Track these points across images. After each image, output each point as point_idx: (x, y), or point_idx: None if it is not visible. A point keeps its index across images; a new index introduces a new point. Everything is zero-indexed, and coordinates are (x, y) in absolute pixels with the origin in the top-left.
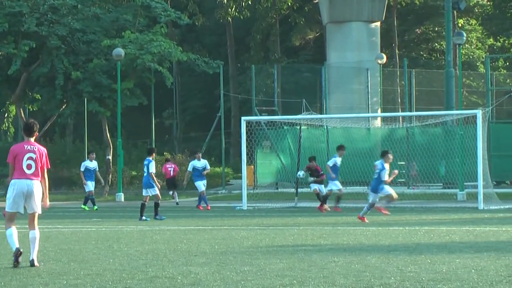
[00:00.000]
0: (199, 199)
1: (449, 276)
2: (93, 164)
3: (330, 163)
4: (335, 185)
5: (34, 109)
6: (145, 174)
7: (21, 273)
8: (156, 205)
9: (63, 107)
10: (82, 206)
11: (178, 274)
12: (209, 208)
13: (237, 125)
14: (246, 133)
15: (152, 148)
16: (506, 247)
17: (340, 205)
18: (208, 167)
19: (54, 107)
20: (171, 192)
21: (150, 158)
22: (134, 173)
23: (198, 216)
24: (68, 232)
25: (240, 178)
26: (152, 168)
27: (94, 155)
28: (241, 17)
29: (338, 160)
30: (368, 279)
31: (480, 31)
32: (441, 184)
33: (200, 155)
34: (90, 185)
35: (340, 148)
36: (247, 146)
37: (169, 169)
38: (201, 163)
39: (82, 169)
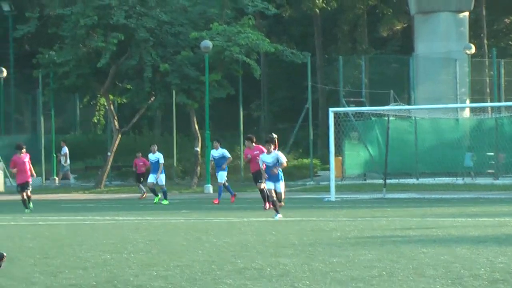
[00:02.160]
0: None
1: None
2: (154, 157)
3: None
4: None
5: (123, 101)
6: None
7: (111, 264)
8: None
9: (151, 99)
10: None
11: (267, 265)
12: (217, 202)
13: (324, 116)
14: (334, 124)
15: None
16: None
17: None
18: (227, 155)
19: (143, 99)
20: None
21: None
22: None
23: (286, 207)
24: (157, 223)
25: (328, 169)
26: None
27: (156, 147)
28: (329, 8)
29: None
30: (458, 270)
31: None
32: None
33: (218, 144)
34: (151, 177)
35: None
36: (334, 138)
37: (140, 163)
38: (218, 152)
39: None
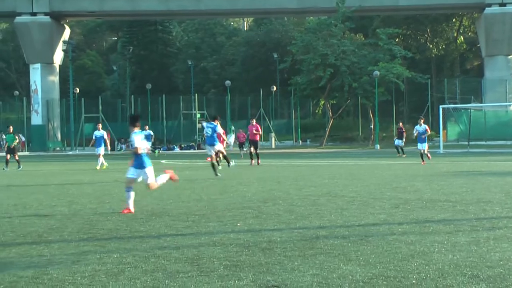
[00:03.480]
0: None
1: None
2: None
3: None
4: None
5: (334, 102)
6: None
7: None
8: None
9: (348, 101)
10: None
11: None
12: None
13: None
14: (442, 114)
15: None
16: None
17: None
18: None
19: (343, 101)
20: None
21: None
22: None
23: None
24: None
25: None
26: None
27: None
28: (439, 54)
29: None
30: None
31: None
32: None
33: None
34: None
35: None
36: (442, 121)
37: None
38: (422, 127)
39: None
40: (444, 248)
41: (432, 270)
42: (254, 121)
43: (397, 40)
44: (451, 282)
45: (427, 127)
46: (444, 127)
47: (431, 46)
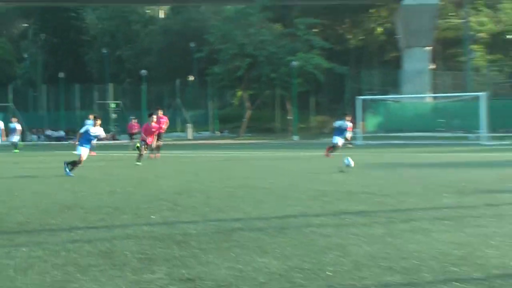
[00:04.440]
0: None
1: None
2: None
3: None
4: None
5: (251, 93)
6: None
7: None
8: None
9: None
10: None
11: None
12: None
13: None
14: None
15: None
16: None
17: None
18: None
19: (260, 92)
20: None
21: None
22: None
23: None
24: None
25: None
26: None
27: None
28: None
29: None
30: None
31: (483, 51)
32: None
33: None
34: None
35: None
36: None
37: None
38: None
39: None
40: (360, 240)
41: (348, 262)
42: (161, 113)
43: (316, 30)
44: (366, 274)
45: (350, 125)
46: (363, 119)
47: (349, 37)
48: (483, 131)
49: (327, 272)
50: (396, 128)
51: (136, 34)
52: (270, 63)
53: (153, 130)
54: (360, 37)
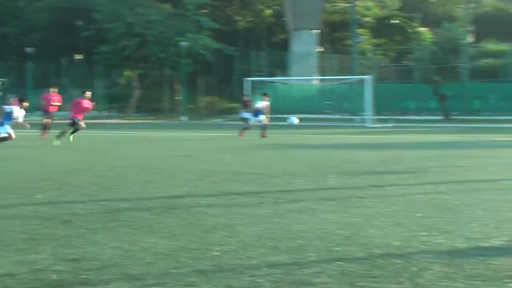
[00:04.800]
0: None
1: None
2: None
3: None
4: None
5: (140, 72)
6: None
7: None
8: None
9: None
10: None
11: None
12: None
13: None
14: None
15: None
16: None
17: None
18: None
19: (150, 71)
20: None
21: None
22: None
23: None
24: None
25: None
26: None
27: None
28: (245, 26)
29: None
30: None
31: (369, 35)
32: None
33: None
34: None
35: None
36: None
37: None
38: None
39: None
40: (247, 220)
41: (234, 242)
42: (53, 90)
43: (205, 11)
44: (252, 254)
45: (267, 104)
46: (251, 100)
47: (238, 18)
48: (368, 114)
49: (213, 252)
50: (283, 110)
51: (21, 10)
52: (159, 43)
53: (85, 107)
54: (249, 19)
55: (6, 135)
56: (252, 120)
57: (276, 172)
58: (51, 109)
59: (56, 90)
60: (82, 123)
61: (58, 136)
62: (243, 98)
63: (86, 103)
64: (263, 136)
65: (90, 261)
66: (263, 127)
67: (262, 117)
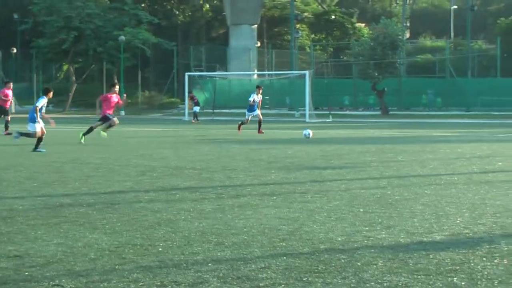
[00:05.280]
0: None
1: None
2: None
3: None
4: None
5: (77, 66)
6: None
7: None
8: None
9: (92, 66)
10: None
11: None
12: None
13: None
14: (188, 81)
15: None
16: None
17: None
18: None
19: (87, 66)
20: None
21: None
22: None
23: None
24: None
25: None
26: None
27: None
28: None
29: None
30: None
31: (307, 30)
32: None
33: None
34: None
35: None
36: (188, 87)
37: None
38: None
39: None
40: (191, 216)
41: (178, 238)
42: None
43: (143, 5)
44: (197, 249)
45: (261, 99)
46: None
47: (177, 12)
48: (308, 109)
49: (158, 248)
50: (222, 104)
51: None
52: (97, 37)
53: (115, 102)
54: (188, 13)
55: (33, 131)
56: (248, 115)
57: (216, 167)
58: (7, 104)
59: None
60: (116, 119)
61: (87, 133)
62: (190, 94)
63: (115, 98)
64: (260, 132)
65: (33, 258)
66: (259, 123)
67: (257, 112)
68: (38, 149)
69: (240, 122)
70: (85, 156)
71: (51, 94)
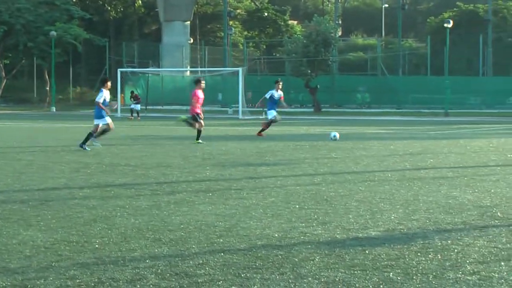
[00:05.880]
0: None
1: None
2: None
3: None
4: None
5: (7, 62)
6: None
7: None
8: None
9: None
10: None
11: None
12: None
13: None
14: (121, 77)
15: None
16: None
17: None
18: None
19: (17, 61)
20: None
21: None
22: None
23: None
24: None
25: (112, 100)
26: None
27: None
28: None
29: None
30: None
31: (240, 27)
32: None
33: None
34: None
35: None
36: (120, 84)
37: None
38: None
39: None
40: (126, 212)
41: (115, 234)
42: None
43: (74, 0)
44: (134, 246)
45: (282, 95)
46: (122, 91)
47: (109, 8)
48: (241, 106)
49: (94, 245)
50: (155, 101)
51: None
52: (28, 31)
53: (200, 98)
54: (120, 9)
55: (105, 126)
56: (270, 116)
57: (151, 164)
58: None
59: None
60: (202, 121)
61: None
62: (133, 93)
63: (201, 94)
64: (260, 135)
65: None
66: (268, 123)
67: (275, 113)
68: (93, 143)
69: (263, 124)
70: (16, 153)
71: (109, 84)
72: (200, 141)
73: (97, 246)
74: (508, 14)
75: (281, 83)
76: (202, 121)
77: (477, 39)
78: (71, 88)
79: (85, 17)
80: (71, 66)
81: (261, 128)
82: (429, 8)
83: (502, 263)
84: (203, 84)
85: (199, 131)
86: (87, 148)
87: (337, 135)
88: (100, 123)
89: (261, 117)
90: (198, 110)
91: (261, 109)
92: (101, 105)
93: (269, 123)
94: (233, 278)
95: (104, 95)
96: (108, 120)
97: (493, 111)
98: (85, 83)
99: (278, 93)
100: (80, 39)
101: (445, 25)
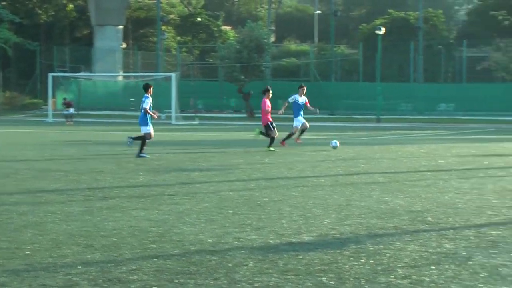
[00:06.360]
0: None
1: None
2: None
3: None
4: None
5: None
6: None
7: None
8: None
9: None
10: None
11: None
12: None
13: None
14: (53, 82)
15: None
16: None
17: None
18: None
19: None
20: None
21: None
22: None
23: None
24: None
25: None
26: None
27: None
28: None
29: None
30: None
31: (173, 32)
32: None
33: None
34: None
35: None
36: (52, 89)
37: None
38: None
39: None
40: (58, 218)
41: (46, 241)
42: None
43: (4, 3)
44: (66, 252)
45: (306, 100)
46: (54, 96)
47: (40, 11)
48: (174, 111)
49: (25, 251)
50: (87, 105)
51: None
52: None
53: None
54: (51, 13)
55: (146, 133)
56: (298, 123)
57: (83, 170)
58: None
59: None
60: (275, 130)
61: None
62: (65, 100)
63: (269, 102)
64: (282, 144)
65: None
66: (292, 133)
67: (303, 120)
68: (142, 154)
69: (287, 134)
70: None
71: (151, 90)
72: (272, 148)
73: (28, 252)
74: (438, 22)
75: (305, 88)
76: (275, 129)
77: (408, 46)
78: (1, 92)
79: (15, 21)
80: (0, 71)
81: (287, 135)
82: (361, 15)
83: (433, 267)
84: (270, 93)
85: (272, 139)
86: (146, 156)
87: (338, 143)
88: (151, 130)
89: (194, 122)
90: (271, 119)
91: (193, 115)
92: (148, 110)
93: (292, 133)
94: (166, 284)
95: (150, 101)
96: (151, 128)
97: (424, 117)
98: (15, 87)
99: (302, 98)
100: (10, 43)
101: (377, 32)
